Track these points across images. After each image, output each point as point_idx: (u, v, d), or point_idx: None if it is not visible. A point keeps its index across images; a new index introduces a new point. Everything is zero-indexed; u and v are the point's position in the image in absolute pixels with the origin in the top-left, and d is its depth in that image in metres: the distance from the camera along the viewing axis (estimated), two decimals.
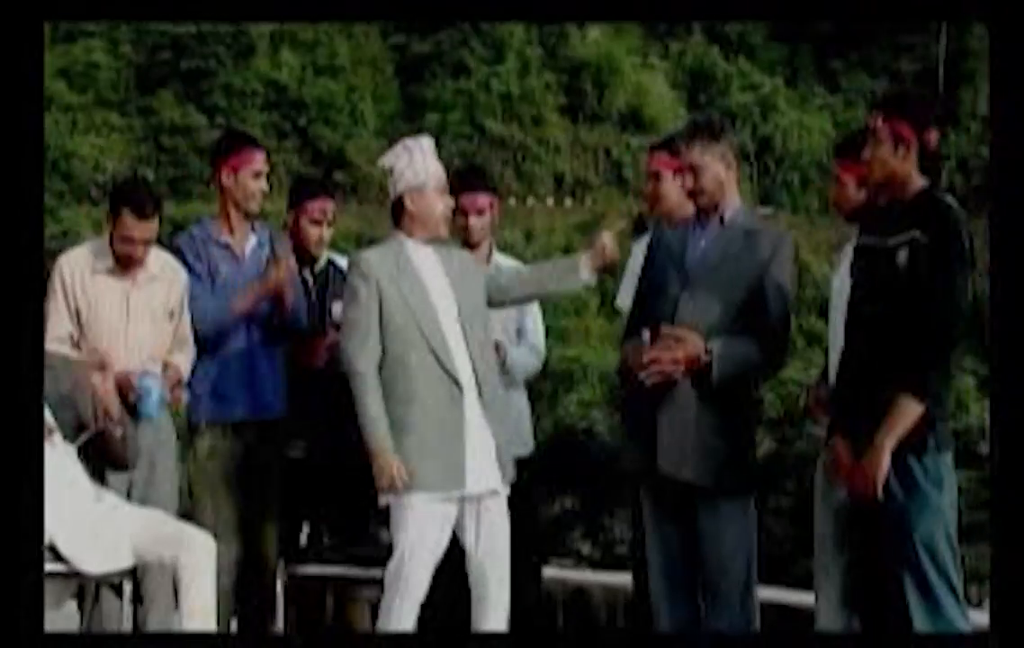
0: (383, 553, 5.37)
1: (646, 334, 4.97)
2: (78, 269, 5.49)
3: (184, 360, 5.61)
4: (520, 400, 6.06)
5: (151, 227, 5.44)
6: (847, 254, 5.24)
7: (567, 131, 35.47)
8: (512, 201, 33.12)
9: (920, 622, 4.42)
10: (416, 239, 5.21)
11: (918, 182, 4.54)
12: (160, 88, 35.76)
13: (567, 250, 31.97)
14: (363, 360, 5.06)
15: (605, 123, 35.57)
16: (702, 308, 4.97)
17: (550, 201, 34.12)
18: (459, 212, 5.81)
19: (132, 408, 5.37)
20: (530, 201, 33.55)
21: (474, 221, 5.96)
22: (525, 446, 5.94)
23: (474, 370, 5.16)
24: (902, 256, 4.44)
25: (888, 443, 4.37)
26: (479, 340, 5.21)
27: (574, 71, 35.52)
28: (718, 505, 4.96)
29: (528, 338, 6.04)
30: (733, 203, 5.13)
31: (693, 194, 5.09)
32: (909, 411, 4.36)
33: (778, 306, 5.01)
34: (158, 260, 5.61)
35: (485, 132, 34.52)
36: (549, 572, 6.43)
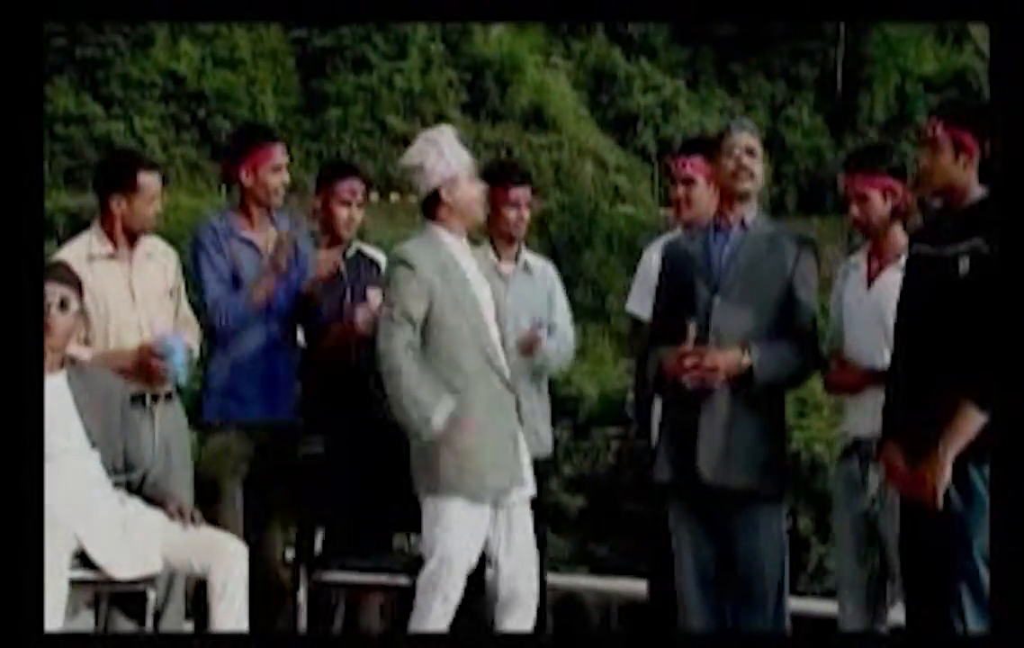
0: (408, 560, 5.33)
1: (692, 330, 4.99)
2: (74, 262, 5.42)
3: (192, 339, 5.57)
4: (545, 399, 6.04)
5: (158, 179, 5.57)
6: (857, 266, 5.26)
7: (469, 129, 35.18)
8: (414, 198, 32.92)
9: (976, 630, 4.45)
10: (453, 232, 5.14)
11: (976, 191, 4.56)
12: (55, 76, 35.02)
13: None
14: (403, 354, 4.94)
15: (507, 121, 35.46)
16: (735, 313, 5.03)
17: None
18: (506, 204, 5.84)
19: (156, 377, 5.29)
20: None
21: (515, 215, 5.96)
22: (543, 447, 5.94)
23: (511, 371, 5.14)
24: (963, 265, 4.46)
25: (951, 451, 4.41)
26: (511, 340, 5.20)
27: (477, 69, 35.37)
28: (754, 510, 5.02)
29: (559, 329, 6.04)
30: (753, 209, 5.21)
31: (742, 176, 5.11)
32: (973, 420, 4.39)
33: (807, 308, 5.10)
34: (150, 240, 5.57)
35: (387, 128, 34.23)
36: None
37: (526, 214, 6.06)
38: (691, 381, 4.98)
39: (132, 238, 5.53)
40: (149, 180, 5.49)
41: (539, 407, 6.04)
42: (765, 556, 5.04)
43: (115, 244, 5.51)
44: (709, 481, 5.00)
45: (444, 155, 5.19)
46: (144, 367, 5.30)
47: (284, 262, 5.59)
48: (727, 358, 4.97)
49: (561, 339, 6.12)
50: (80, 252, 5.50)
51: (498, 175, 6.09)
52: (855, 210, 5.24)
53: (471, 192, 5.20)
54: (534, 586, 5.20)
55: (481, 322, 5.09)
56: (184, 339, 5.40)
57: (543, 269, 6.19)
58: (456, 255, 5.17)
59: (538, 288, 6.10)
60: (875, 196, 5.22)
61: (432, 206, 5.21)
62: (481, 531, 5.06)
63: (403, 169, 5.37)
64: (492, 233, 6.03)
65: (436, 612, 4.95)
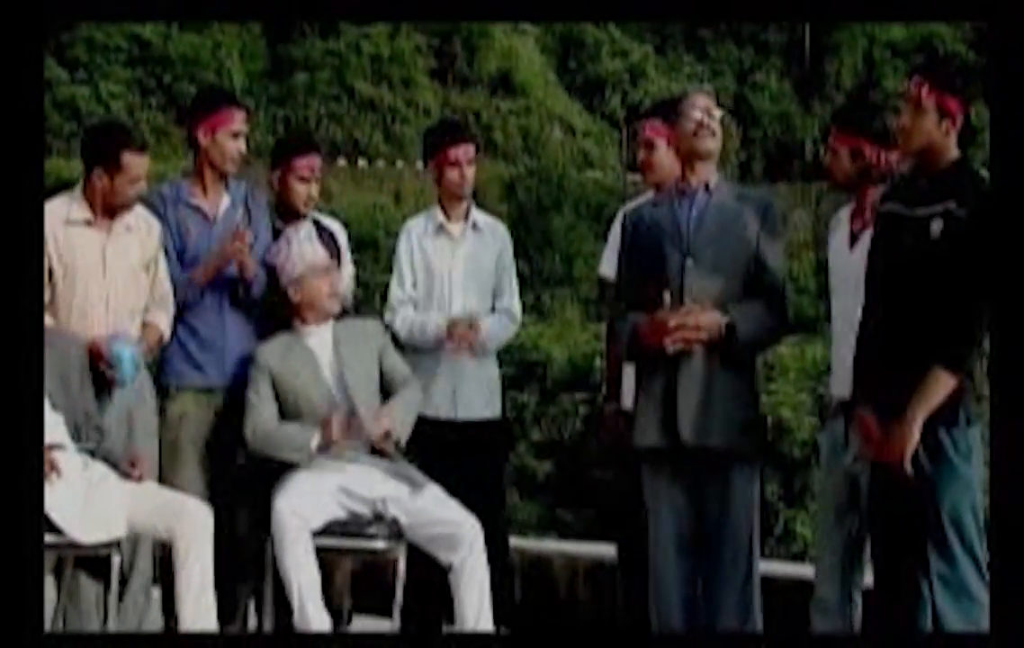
0: (383, 524, 5.34)
1: (667, 297, 4.99)
2: (50, 224, 5.33)
3: (164, 317, 5.52)
4: (490, 366, 6.05)
5: (145, 161, 5.41)
6: (841, 222, 5.24)
7: (437, 94, 35.22)
8: (381, 163, 32.90)
9: (942, 596, 4.45)
10: (309, 323, 5.59)
11: (952, 153, 4.53)
12: None
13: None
14: (263, 425, 5.51)
15: (475, 87, 35.39)
16: (708, 276, 5.04)
17: (419, 164, 33.85)
18: (437, 165, 5.92)
19: (106, 379, 5.23)
20: (399, 164, 33.30)
21: (454, 175, 5.98)
22: (491, 409, 5.96)
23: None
24: (936, 227, 4.44)
25: (921, 415, 4.39)
26: (367, 404, 5.55)
27: (444, 34, 35.23)
28: (732, 471, 5.01)
29: (503, 303, 6.05)
30: (714, 172, 5.20)
31: (703, 135, 5.10)
32: (943, 384, 4.37)
33: (776, 270, 5.11)
34: (132, 212, 5.48)
35: (354, 93, 34.13)
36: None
37: (469, 172, 6.04)
38: (673, 344, 4.97)
39: (112, 211, 5.46)
40: (134, 161, 5.39)
41: (484, 374, 6.06)
42: (738, 517, 5.05)
43: (94, 213, 5.44)
44: (691, 443, 5.00)
45: (291, 256, 5.57)
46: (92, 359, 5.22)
47: (234, 257, 5.56)
48: (709, 319, 4.98)
49: (504, 312, 6.10)
50: (58, 213, 5.41)
51: (438, 135, 6.15)
52: (827, 160, 5.27)
53: (319, 288, 5.57)
54: (449, 516, 5.42)
55: (323, 399, 5.52)
56: (132, 345, 5.30)
57: (493, 229, 6.18)
58: (307, 342, 5.60)
59: (488, 248, 6.10)
60: (843, 151, 5.21)
61: (286, 302, 5.62)
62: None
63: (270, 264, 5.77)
64: (439, 194, 6.04)
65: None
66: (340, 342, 5.57)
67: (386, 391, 5.64)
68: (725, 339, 4.99)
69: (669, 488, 5.10)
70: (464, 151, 6.02)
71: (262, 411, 5.46)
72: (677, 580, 5.07)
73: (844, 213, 5.27)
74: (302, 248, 5.53)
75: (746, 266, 5.09)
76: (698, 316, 4.97)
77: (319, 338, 5.59)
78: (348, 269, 6.00)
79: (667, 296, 4.99)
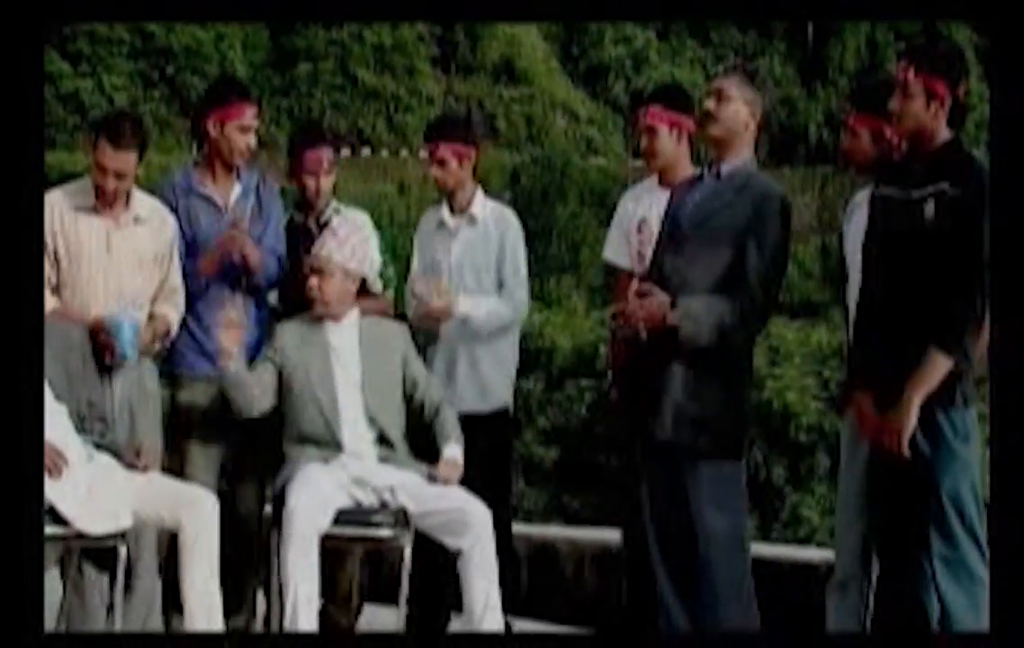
0: (388, 513, 5.34)
1: (634, 284, 4.96)
2: (58, 207, 5.36)
3: (172, 311, 5.52)
4: (485, 360, 6.01)
5: (126, 159, 5.33)
6: (859, 206, 5.20)
7: (440, 83, 35.23)
8: (384, 153, 32.91)
9: (943, 576, 4.45)
10: (329, 318, 5.60)
11: (944, 134, 4.53)
12: None
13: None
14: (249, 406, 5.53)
15: (478, 75, 35.37)
16: (682, 265, 4.94)
17: (423, 153, 33.82)
18: (431, 161, 5.94)
19: (107, 350, 5.21)
20: (403, 153, 33.29)
21: (436, 171, 5.98)
22: (485, 402, 5.95)
23: (380, 431, 5.54)
24: (929, 208, 4.44)
25: (917, 398, 4.39)
26: (385, 404, 5.57)
27: (447, 22, 35.20)
28: (696, 465, 4.89)
29: (507, 288, 6.02)
30: (738, 160, 5.05)
31: (709, 119, 5.03)
32: (939, 366, 4.37)
33: (757, 264, 4.88)
34: (145, 204, 5.49)
35: (357, 83, 34.14)
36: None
37: (454, 167, 6.00)
38: (617, 329, 4.94)
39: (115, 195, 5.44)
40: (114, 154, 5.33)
41: (478, 367, 6.03)
42: (708, 515, 4.85)
43: (97, 195, 5.43)
44: (644, 432, 4.93)
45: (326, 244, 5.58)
46: (94, 340, 5.22)
47: (236, 250, 5.56)
48: (649, 307, 4.85)
49: (506, 298, 6.04)
50: (67, 198, 5.40)
51: (427, 131, 6.20)
52: (843, 141, 5.21)
53: (344, 287, 5.58)
54: (448, 503, 5.41)
55: (330, 394, 5.52)
56: (133, 318, 5.27)
57: (496, 220, 6.09)
58: (326, 332, 5.60)
59: (486, 240, 6.04)
60: (864, 134, 5.15)
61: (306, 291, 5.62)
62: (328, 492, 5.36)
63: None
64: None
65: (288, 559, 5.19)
66: (364, 342, 5.58)
67: (408, 396, 5.63)
68: (671, 332, 4.82)
69: (648, 476, 4.99)
70: (449, 149, 5.97)
71: (262, 397, 5.50)
72: (664, 571, 4.97)
73: (861, 196, 5.17)
74: (337, 242, 5.58)
75: (726, 259, 4.88)
76: (638, 303, 4.86)
77: (340, 335, 5.59)
78: (376, 258, 5.98)
79: (634, 284, 4.94)
